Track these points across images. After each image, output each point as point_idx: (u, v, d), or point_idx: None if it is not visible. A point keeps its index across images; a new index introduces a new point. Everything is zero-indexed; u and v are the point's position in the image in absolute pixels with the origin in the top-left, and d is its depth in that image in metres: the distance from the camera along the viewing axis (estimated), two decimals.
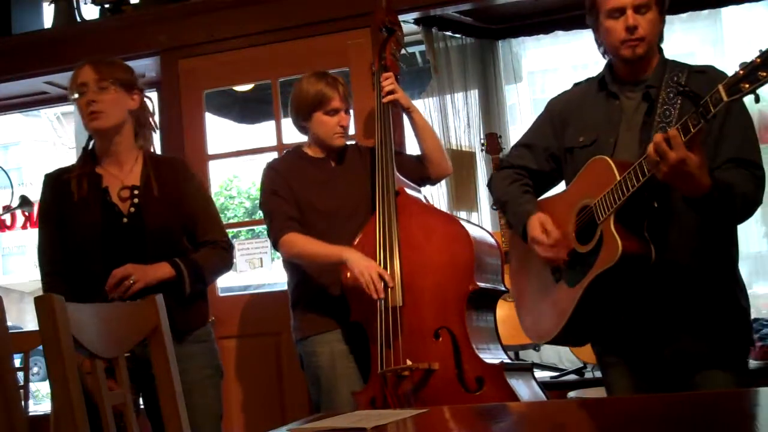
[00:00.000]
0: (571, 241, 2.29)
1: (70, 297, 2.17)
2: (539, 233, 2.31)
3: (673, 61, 2.33)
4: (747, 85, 1.84)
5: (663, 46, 2.36)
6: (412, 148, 3.34)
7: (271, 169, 3.04)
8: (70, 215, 2.60)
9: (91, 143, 2.71)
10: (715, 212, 2.11)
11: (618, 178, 2.12)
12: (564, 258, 2.29)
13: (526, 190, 2.46)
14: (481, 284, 2.72)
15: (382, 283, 2.72)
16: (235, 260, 3.19)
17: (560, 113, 2.45)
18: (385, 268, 2.77)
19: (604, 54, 2.39)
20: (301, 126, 3.08)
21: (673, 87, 2.22)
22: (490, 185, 2.63)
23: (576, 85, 2.51)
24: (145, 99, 2.73)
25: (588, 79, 2.47)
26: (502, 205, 2.52)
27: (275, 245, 2.96)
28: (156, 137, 2.84)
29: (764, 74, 1.82)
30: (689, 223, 2.17)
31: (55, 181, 2.68)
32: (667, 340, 2.22)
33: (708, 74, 2.25)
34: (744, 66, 1.86)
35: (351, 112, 3.09)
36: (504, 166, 2.56)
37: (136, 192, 2.63)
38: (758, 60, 1.83)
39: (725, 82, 1.88)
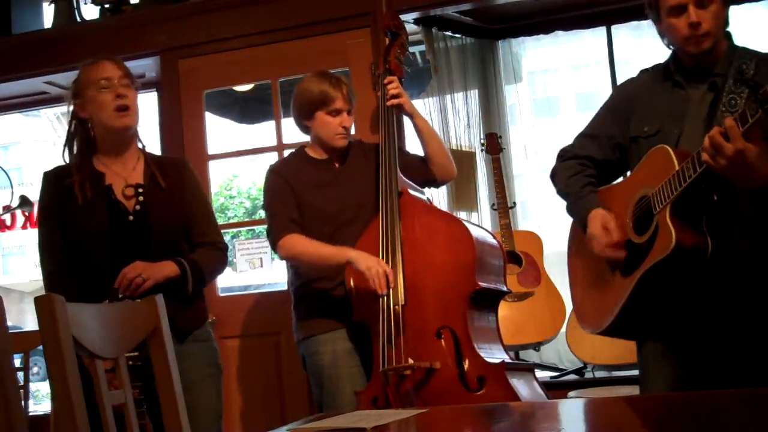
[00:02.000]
0: (628, 231, 2.24)
1: (75, 295, 2.14)
2: (598, 230, 2.26)
3: (743, 48, 2.25)
4: None
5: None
6: (412, 149, 3.33)
7: (273, 172, 3.03)
8: (75, 216, 2.58)
9: (75, 141, 2.67)
10: None
11: (677, 167, 2.06)
12: (621, 258, 2.22)
13: (587, 183, 2.41)
14: (483, 284, 2.72)
15: (386, 280, 2.71)
16: (235, 260, 3.19)
17: (626, 100, 2.39)
18: None
19: (668, 45, 2.32)
20: (304, 125, 3.07)
21: (739, 76, 2.15)
22: (552, 177, 2.55)
23: (643, 71, 2.43)
24: None
25: (654, 66, 2.40)
26: (564, 196, 2.47)
27: (274, 246, 2.94)
28: (156, 137, 2.84)
29: None
30: (754, 219, 2.10)
31: (55, 179, 2.65)
32: (745, 340, 2.15)
33: None
34: None
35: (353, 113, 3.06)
36: (567, 156, 2.49)
37: (140, 190, 2.63)
38: None
39: None
